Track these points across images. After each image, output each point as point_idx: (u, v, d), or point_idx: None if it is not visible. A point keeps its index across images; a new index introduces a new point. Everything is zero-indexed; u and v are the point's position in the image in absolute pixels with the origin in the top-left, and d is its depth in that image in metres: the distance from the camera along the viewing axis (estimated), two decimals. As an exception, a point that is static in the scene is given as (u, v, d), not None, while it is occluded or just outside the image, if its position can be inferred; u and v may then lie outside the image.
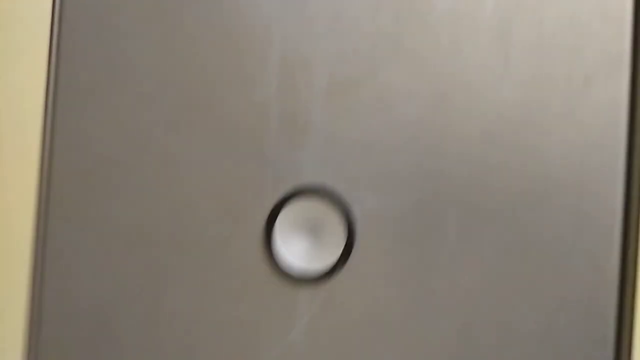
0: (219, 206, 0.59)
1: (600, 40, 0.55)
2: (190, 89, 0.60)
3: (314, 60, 0.59)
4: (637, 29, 0.55)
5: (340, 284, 0.58)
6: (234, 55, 0.59)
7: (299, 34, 0.59)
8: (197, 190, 0.59)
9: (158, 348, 0.59)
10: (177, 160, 0.60)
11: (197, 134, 0.60)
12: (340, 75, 0.59)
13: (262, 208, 0.59)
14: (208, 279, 0.59)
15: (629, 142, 0.56)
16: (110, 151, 0.60)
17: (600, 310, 0.56)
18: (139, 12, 0.60)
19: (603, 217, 0.56)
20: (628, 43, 0.55)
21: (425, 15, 0.57)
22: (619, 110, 0.55)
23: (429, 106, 0.57)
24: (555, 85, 0.56)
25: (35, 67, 0.61)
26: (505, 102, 0.56)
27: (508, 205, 0.56)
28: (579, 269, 0.56)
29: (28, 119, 0.61)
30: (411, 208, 0.57)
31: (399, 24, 0.58)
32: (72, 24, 0.61)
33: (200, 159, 0.60)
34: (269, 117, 0.59)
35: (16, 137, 0.61)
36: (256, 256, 0.59)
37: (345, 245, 0.57)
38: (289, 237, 0.59)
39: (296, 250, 0.58)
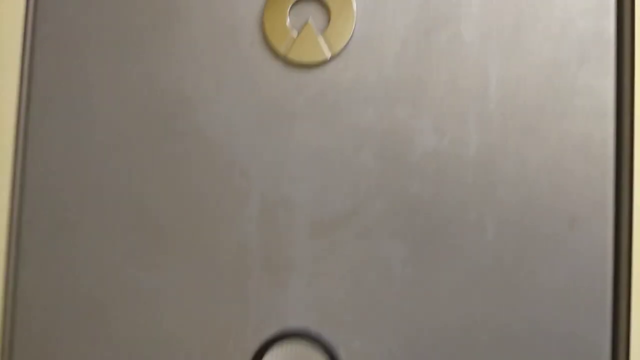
0: (199, 350, 0.57)
1: (584, 181, 0.55)
2: (169, 228, 0.58)
3: (295, 198, 0.58)
4: (619, 171, 0.55)
5: None
6: (213, 193, 0.58)
7: (278, 171, 0.58)
8: (176, 333, 0.57)
9: None
10: (156, 301, 0.57)
11: (176, 274, 0.58)
12: (322, 213, 0.57)
13: (244, 352, 0.57)
14: None
15: (614, 285, 0.55)
16: (87, 291, 0.58)
17: None
18: (116, 158, 0.59)
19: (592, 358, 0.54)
20: (611, 184, 0.55)
21: (408, 153, 0.57)
22: (604, 252, 0.54)
23: (414, 245, 0.56)
24: (540, 226, 0.55)
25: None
26: (490, 243, 0.55)
27: (497, 350, 0.55)
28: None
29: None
30: (398, 352, 0.56)
31: (382, 162, 0.57)
32: (37, 179, 0.59)
33: (179, 299, 0.57)
34: (250, 256, 0.57)
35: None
36: (239, 404, 0.56)
37: (332, 392, 0.55)
38: (273, 384, 0.56)
39: (281, 397, 0.56)
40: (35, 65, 0.59)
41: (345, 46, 0.57)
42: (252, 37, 0.58)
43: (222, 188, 0.58)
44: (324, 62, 0.58)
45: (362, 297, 0.56)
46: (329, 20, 0.57)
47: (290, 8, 0.58)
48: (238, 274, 0.57)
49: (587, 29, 0.56)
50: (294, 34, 0.58)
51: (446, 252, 0.56)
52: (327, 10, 0.58)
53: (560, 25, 0.56)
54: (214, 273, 0.57)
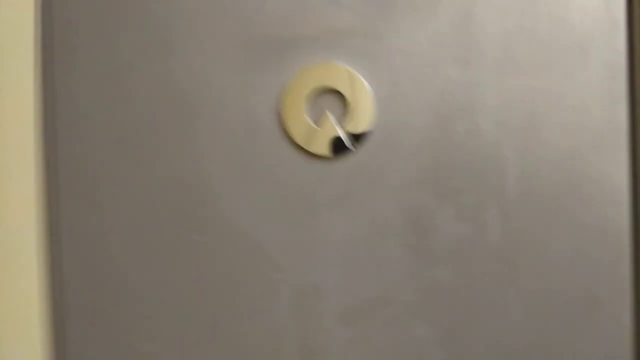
0: None
1: (602, 265, 0.57)
2: (205, 318, 0.59)
3: (324, 286, 0.59)
4: (637, 254, 0.58)
5: None
6: (245, 283, 0.59)
7: (307, 261, 0.59)
8: None
9: None
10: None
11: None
12: (352, 300, 0.59)
13: None
14: None
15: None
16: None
17: None
18: (150, 251, 0.59)
19: None
20: (628, 266, 0.57)
21: (433, 241, 0.58)
22: (623, 332, 0.57)
23: (443, 329, 0.58)
24: (562, 308, 0.58)
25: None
26: (515, 325, 0.58)
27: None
28: None
29: None
30: None
31: (408, 250, 0.58)
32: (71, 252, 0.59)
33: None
34: (284, 342, 0.59)
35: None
36: None
37: None
38: None
39: None
40: (60, 167, 0.59)
41: (366, 137, 0.58)
42: (272, 130, 0.59)
43: (254, 278, 0.59)
44: (346, 154, 0.59)
45: (392, 381, 0.59)
46: (347, 111, 0.58)
47: (308, 99, 0.58)
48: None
49: (600, 117, 0.57)
50: (313, 125, 0.58)
51: (474, 334, 0.58)
52: (344, 101, 0.58)
53: (575, 115, 0.58)
54: (250, 361, 0.59)
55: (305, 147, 0.58)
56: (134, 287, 0.59)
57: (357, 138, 0.58)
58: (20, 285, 0.57)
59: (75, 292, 0.59)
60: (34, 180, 0.57)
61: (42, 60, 0.59)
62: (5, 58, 0.57)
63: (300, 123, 0.58)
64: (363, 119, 0.58)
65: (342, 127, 0.58)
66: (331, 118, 0.58)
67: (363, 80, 0.58)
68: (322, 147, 0.58)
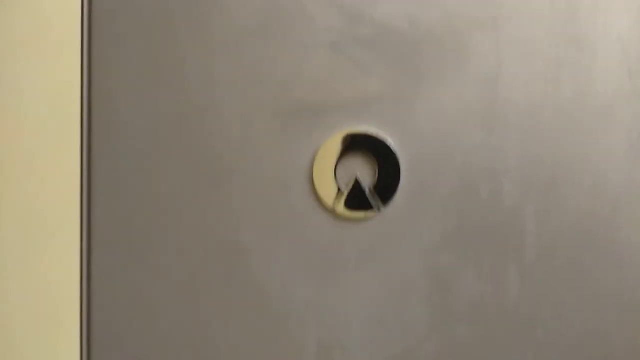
0: None
1: (617, 326, 0.60)
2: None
3: (349, 342, 0.61)
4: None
5: None
6: (272, 339, 0.61)
7: (333, 318, 0.61)
8: None
9: None
10: None
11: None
12: (376, 356, 0.61)
13: None
14: None
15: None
16: None
17: None
18: (179, 306, 0.61)
19: None
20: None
21: (454, 300, 0.60)
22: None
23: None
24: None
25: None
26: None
27: None
28: None
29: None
30: None
31: (430, 308, 0.61)
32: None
33: None
34: (308, 397, 0.61)
35: None
36: None
37: None
38: None
39: None
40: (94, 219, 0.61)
41: (392, 199, 0.60)
42: (303, 192, 0.60)
43: (280, 333, 0.61)
44: (373, 215, 0.60)
45: None
46: (376, 174, 0.60)
47: (338, 162, 0.60)
48: (298, 416, 0.61)
49: (619, 181, 0.59)
50: (343, 188, 0.60)
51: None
52: (373, 164, 0.60)
53: (595, 178, 0.60)
54: (275, 417, 0.61)
55: (334, 209, 0.60)
56: (160, 340, 0.61)
57: (384, 201, 0.60)
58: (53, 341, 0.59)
59: (104, 344, 0.61)
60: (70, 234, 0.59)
61: (81, 121, 0.60)
62: (49, 120, 0.59)
63: (329, 186, 0.60)
64: (390, 182, 0.60)
65: (370, 190, 0.60)
66: (359, 181, 0.60)
67: (391, 144, 0.60)
68: (349, 209, 0.60)
